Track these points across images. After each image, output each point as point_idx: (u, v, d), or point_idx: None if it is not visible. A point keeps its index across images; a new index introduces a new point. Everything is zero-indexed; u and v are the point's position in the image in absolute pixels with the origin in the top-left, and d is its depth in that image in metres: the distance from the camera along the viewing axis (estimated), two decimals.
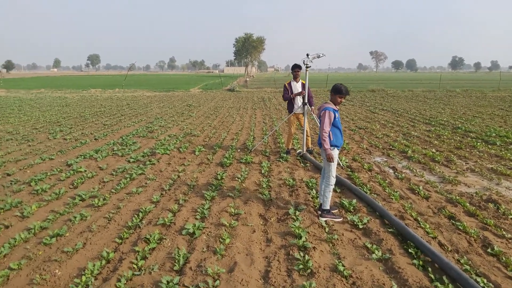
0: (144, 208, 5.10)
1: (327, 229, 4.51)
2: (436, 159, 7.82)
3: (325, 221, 4.74)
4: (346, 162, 7.63)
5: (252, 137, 10.56)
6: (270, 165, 7.46)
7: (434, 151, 8.62)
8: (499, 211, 4.96)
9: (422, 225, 4.49)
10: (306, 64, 7.58)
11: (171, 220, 4.73)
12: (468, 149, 8.82)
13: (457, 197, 5.46)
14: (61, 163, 7.75)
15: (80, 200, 5.55)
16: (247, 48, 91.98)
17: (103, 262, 3.77)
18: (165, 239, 4.24)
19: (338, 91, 4.73)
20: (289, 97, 8.23)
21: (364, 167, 7.29)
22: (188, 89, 35.74)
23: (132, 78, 65.87)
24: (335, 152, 4.78)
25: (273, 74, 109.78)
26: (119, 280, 3.41)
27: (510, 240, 4.12)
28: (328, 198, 4.80)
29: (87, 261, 3.80)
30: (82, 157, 8.15)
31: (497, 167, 7.10)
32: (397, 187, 6.06)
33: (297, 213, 4.88)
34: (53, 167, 7.41)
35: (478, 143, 9.32)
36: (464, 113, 16.00)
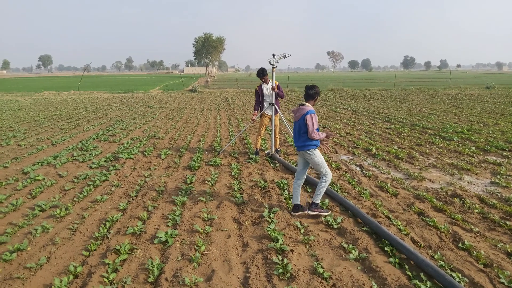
0: (111, 217, 4.85)
1: (302, 230, 4.49)
2: (400, 156, 8.07)
3: (313, 214, 4.79)
4: None
5: (219, 138, 10.42)
6: (240, 167, 7.37)
7: (397, 148, 8.90)
8: (465, 205, 5.16)
9: (394, 222, 4.59)
10: (273, 65, 7.58)
11: (141, 228, 4.52)
12: (428, 146, 9.18)
13: (424, 193, 5.64)
14: (16, 171, 7.25)
15: (40, 210, 5.20)
16: (207, 48, 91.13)
17: (71, 277, 3.53)
18: (137, 249, 4.04)
19: (319, 95, 4.92)
20: (258, 105, 8.29)
21: (332, 165, 7.38)
22: (148, 90, 34.82)
23: (87, 79, 63.39)
24: (318, 151, 4.83)
25: (234, 74, 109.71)
26: None
27: (478, 234, 4.30)
28: (322, 193, 4.83)
29: (53, 277, 3.54)
30: (39, 164, 7.67)
31: (457, 162, 7.43)
32: (366, 185, 6.18)
33: (272, 215, 4.84)
34: (8, 175, 6.90)
35: (437, 139, 9.73)
36: (419, 110, 16.70)
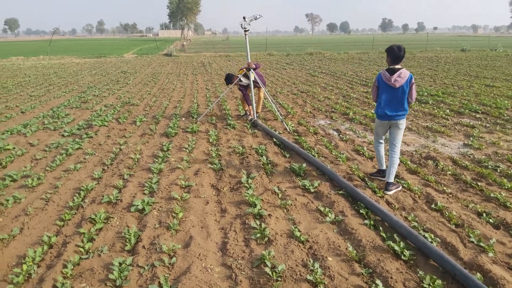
0: (85, 186, 4.74)
1: (280, 195, 4.51)
2: None
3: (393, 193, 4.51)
4: (292, 126, 7.67)
5: (196, 104, 10.22)
6: (218, 133, 7.28)
7: (373, 112, 8.94)
8: (438, 167, 5.29)
9: (369, 185, 4.67)
10: (245, 28, 7.44)
11: (117, 197, 4.44)
12: None
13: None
14: None
15: (11, 181, 5.03)
16: (182, 10, 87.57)
17: (45, 247, 3.46)
18: (113, 217, 3.98)
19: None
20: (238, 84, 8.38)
21: (310, 130, 7.39)
22: (121, 54, 33.59)
23: (57, 43, 60.43)
24: None
25: (211, 38, 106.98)
26: (65, 266, 3.14)
27: (451, 195, 4.43)
28: (395, 169, 4.58)
29: (26, 247, 3.46)
30: (9, 133, 7.37)
31: (431, 125, 7.57)
32: (343, 149, 6.23)
33: (250, 181, 4.83)
34: None
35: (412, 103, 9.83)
36: None
